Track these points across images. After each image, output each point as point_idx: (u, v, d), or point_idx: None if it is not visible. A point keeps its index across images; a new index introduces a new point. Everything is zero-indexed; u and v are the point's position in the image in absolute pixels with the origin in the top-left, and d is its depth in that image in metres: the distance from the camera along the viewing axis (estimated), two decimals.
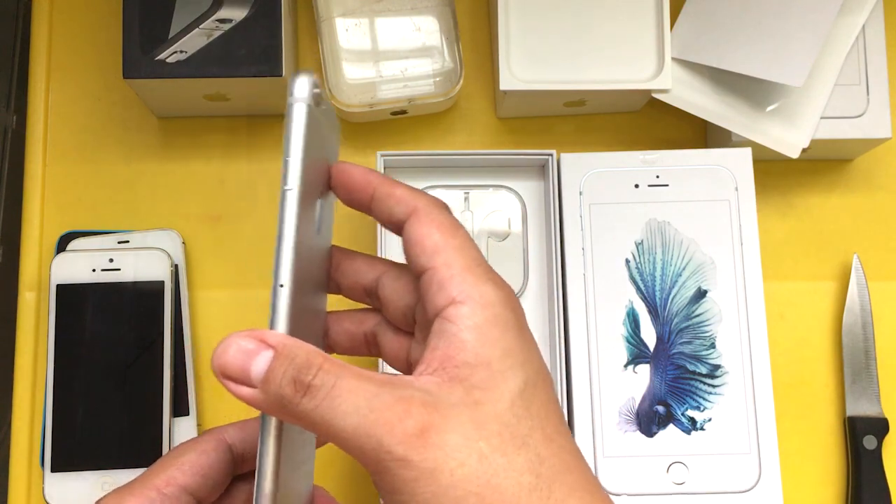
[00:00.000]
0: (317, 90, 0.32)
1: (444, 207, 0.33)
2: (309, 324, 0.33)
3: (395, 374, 0.30)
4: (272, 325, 0.29)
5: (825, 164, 0.62)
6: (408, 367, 0.36)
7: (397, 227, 0.33)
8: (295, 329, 0.30)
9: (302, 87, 0.31)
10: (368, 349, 0.37)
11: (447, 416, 0.28)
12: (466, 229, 0.33)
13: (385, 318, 0.36)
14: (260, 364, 0.28)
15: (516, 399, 0.29)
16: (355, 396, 0.28)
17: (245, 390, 0.28)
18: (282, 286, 0.29)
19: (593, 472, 0.30)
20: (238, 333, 0.29)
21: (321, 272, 0.35)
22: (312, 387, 0.28)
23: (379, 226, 0.55)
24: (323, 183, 0.34)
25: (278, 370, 0.28)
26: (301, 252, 0.30)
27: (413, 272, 0.33)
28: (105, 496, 0.33)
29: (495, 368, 0.29)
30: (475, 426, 0.28)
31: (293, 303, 0.29)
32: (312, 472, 0.35)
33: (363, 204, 0.34)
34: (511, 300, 0.32)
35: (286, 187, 0.30)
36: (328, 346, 0.37)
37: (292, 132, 0.31)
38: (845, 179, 0.62)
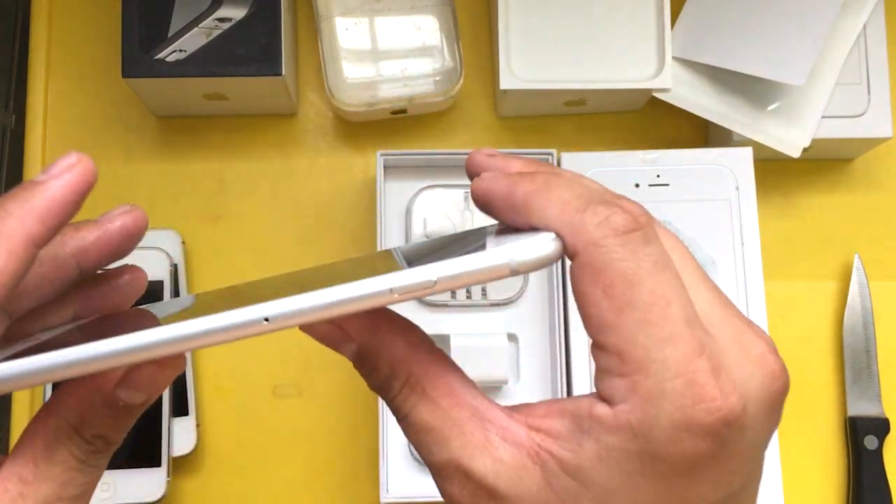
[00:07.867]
0: None
1: (628, 235, 0.23)
2: None
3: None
4: None
5: (826, 163, 0.62)
6: None
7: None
8: None
9: None
10: None
11: None
12: (671, 259, 0.24)
13: None
14: None
15: None
16: None
17: None
18: None
19: None
20: None
21: None
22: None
23: (379, 226, 0.55)
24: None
25: None
26: None
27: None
28: None
29: None
30: None
31: None
32: None
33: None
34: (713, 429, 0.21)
35: None
36: None
37: None
38: (846, 179, 0.62)
